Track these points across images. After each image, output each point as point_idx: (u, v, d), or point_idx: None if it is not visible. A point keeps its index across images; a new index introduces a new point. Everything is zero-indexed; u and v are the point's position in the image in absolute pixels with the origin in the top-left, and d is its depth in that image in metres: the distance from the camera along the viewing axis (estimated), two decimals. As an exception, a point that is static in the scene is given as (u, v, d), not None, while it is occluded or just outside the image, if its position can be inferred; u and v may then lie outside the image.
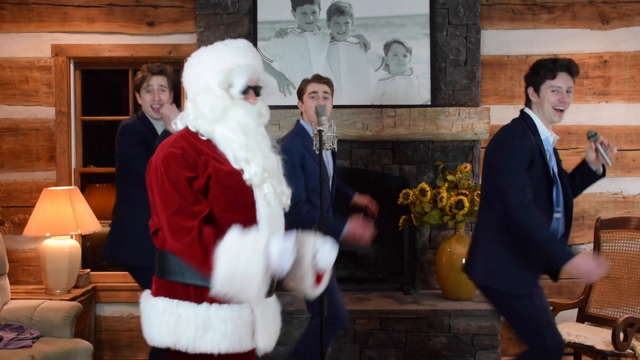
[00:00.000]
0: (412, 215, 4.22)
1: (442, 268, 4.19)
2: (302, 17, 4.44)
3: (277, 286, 2.18)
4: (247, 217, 2.07)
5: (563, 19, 4.60)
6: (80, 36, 4.58)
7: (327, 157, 3.41)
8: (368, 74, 4.45)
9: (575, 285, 4.37)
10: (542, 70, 2.96)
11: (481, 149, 4.43)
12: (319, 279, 2.25)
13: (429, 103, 4.42)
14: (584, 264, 2.73)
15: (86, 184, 5.07)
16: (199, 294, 2.05)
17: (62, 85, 4.58)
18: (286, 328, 3.25)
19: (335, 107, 3.73)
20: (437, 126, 4.25)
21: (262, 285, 1.97)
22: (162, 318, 2.03)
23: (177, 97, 3.49)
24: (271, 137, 2.20)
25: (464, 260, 4.08)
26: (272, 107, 2.30)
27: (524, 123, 3.00)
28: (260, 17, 4.43)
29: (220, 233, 1.97)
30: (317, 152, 2.74)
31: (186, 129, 2.13)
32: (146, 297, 2.13)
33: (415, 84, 4.44)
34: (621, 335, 3.43)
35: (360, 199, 3.63)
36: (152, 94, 3.39)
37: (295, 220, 2.41)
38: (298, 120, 3.46)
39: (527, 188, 2.84)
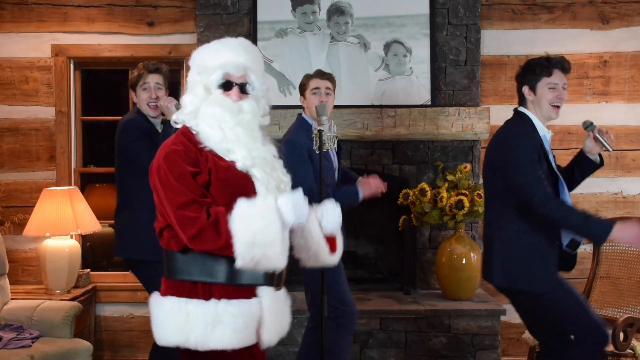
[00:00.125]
0: (412, 215, 4.22)
1: (442, 268, 4.19)
2: (302, 17, 4.44)
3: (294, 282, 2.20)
4: None
5: (563, 19, 4.60)
6: (80, 36, 4.58)
7: (332, 150, 3.42)
8: (368, 74, 4.45)
9: (576, 285, 4.37)
10: (537, 69, 2.98)
11: (481, 149, 4.43)
12: (333, 246, 2.27)
13: (429, 103, 4.42)
14: (627, 232, 2.74)
15: (86, 184, 5.07)
16: (207, 290, 2.05)
17: (62, 85, 4.58)
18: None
19: (335, 107, 3.73)
20: (437, 126, 4.25)
21: (284, 246, 1.99)
22: (171, 316, 2.03)
23: (173, 96, 3.50)
24: (265, 133, 2.21)
25: (461, 258, 4.12)
26: (272, 107, 2.30)
27: (523, 121, 3.01)
28: (260, 17, 4.43)
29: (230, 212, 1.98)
30: (317, 152, 2.74)
31: (185, 126, 2.16)
32: (155, 297, 2.13)
33: (415, 84, 4.44)
34: (621, 335, 3.42)
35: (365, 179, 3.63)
36: (148, 92, 3.40)
37: None
38: (300, 114, 3.46)
39: (545, 181, 2.86)
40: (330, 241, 2.27)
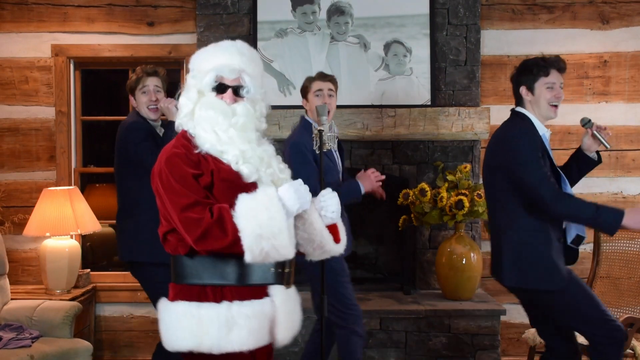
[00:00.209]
0: (412, 215, 4.22)
1: (442, 268, 4.19)
2: (302, 17, 4.44)
3: (297, 282, 2.20)
4: None
5: (563, 19, 4.60)
6: (80, 36, 4.58)
7: (335, 152, 3.44)
8: (368, 74, 4.45)
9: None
10: (535, 69, 3.00)
11: (481, 149, 4.43)
12: (336, 236, 2.28)
13: (429, 103, 4.42)
14: (637, 219, 2.76)
15: (86, 184, 5.07)
16: (219, 293, 2.05)
17: (62, 85, 4.58)
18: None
19: (335, 107, 3.73)
20: (437, 126, 4.25)
21: (290, 235, 2.00)
22: (183, 321, 2.02)
23: (172, 98, 3.51)
24: (262, 134, 2.21)
25: (461, 258, 4.12)
26: (272, 107, 2.30)
27: (522, 122, 3.01)
28: (260, 17, 4.43)
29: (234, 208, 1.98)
30: (317, 152, 2.74)
31: (184, 130, 2.16)
32: (164, 303, 2.12)
33: (415, 84, 4.44)
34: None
35: (363, 173, 3.63)
36: (148, 95, 3.40)
37: None
38: (302, 116, 3.46)
39: (551, 178, 2.87)
40: (333, 231, 2.28)
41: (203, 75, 2.14)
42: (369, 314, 4.02)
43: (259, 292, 2.08)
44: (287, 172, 2.23)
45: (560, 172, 3.03)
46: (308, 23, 4.45)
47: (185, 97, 2.16)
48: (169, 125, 3.31)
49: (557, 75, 3.00)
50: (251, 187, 2.08)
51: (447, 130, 4.26)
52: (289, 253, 2.01)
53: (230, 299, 2.03)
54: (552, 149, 3.21)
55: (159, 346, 3.39)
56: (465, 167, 4.21)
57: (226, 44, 2.20)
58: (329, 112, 3.32)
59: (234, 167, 2.07)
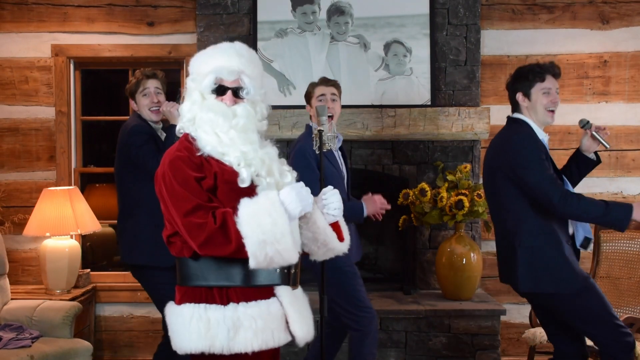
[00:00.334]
0: (412, 215, 4.23)
1: (442, 268, 4.19)
2: (302, 17, 4.44)
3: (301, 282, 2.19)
4: None
5: (563, 19, 4.60)
6: (80, 36, 4.58)
7: (340, 159, 3.44)
8: (368, 74, 4.45)
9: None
10: (530, 75, 3.01)
11: (481, 149, 4.43)
12: (340, 235, 2.28)
13: (429, 103, 4.42)
14: None
15: (86, 184, 5.07)
16: (225, 295, 2.05)
17: (62, 85, 4.58)
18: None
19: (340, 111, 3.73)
20: (437, 126, 4.25)
21: (294, 239, 1.99)
22: (191, 324, 2.02)
23: (172, 98, 3.51)
24: (263, 136, 2.21)
25: (461, 258, 4.12)
26: (271, 107, 2.29)
27: (522, 127, 3.01)
28: (260, 17, 4.43)
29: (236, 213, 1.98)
30: (317, 152, 2.74)
31: (185, 134, 2.15)
32: (171, 306, 2.12)
33: (415, 84, 4.44)
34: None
35: (369, 197, 3.63)
36: (149, 97, 3.41)
37: None
38: (307, 124, 3.47)
39: (558, 180, 2.88)
40: (337, 230, 2.28)
41: (202, 77, 2.14)
42: (369, 314, 4.02)
43: (266, 292, 2.08)
44: (291, 175, 2.22)
45: (563, 175, 3.03)
46: (308, 23, 4.45)
47: (189, 101, 2.15)
48: (170, 128, 3.31)
49: (552, 81, 3.01)
50: (253, 189, 2.08)
51: (447, 130, 4.26)
52: (292, 257, 2.01)
53: (237, 301, 2.03)
54: (552, 149, 3.22)
55: (160, 346, 3.40)
56: (465, 167, 4.21)
57: (225, 45, 2.20)
58: (332, 116, 3.33)
59: (235, 168, 2.07)
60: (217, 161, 2.08)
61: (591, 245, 3.05)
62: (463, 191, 4.06)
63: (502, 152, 2.99)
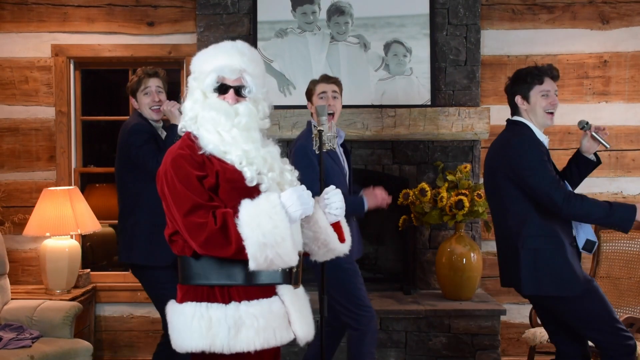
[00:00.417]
0: (412, 215, 4.22)
1: (442, 268, 4.19)
2: (302, 17, 4.45)
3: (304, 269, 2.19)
4: None
5: (563, 19, 4.60)
6: (80, 36, 4.58)
7: (341, 155, 3.45)
8: (368, 74, 4.45)
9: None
10: (529, 77, 3.01)
11: (481, 149, 4.43)
12: (341, 236, 2.28)
13: (429, 103, 4.42)
14: None
15: (86, 184, 5.07)
16: (226, 293, 2.05)
17: (62, 85, 4.58)
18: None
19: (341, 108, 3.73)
20: (437, 126, 4.25)
21: (294, 242, 1.98)
22: (192, 323, 2.02)
23: (172, 97, 3.51)
24: (266, 135, 2.21)
25: (461, 258, 4.12)
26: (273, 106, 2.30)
27: (522, 129, 3.01)
28: (260, 17, 4.43)
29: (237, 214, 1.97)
30: (317, 152, 2.74)
31: (187, 133, 2.16)
32: (172, 305, 2.12)
33: (415, 84, 4.44)
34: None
35: (370, 190, 3.63)
36: (150, 96, 3.40)
37: None
38: (309, 121, 3.47)
39: (560, 181, 2.88)
40: (338, 231, 2.28)
41: (204, 76, 2.14)
42: (369, 314, 4.02)
43: (267, 291, 2.08)
44: (293, 174, 2.22)
45: (563, 177, 3.04)
46: (308, 23, 4.45)
47: (191, 100, 2.15)
48: (171, 128, 3.31)
49: (551, 83, 3.01)
50: (256, 187, 2.08)
51: (447, 130, 4.26)
52: (292, 260, 2.00)
53: (238, 299, 2.03)
54: (552, 149, 3.22)
55: (160, 346, 3.40)
56: (465, 167, 4.21)
57: (227, 44, 2.20)
58: (333, 114, 3.33)
59: (237, 167, 2.07)
60: (219, 160, 2.08)
61: (595, 248, 3.04)
62: (463, 191, 4.06)
63: (503, 155, 2.99)
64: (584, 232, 2.99)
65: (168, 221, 2.12)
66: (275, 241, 1.94)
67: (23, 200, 4.58)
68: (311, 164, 3.20)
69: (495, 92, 4.58)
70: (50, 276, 4.20)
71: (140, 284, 3.52)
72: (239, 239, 1.93)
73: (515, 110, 3.08)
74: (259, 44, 4.40)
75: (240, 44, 2.20)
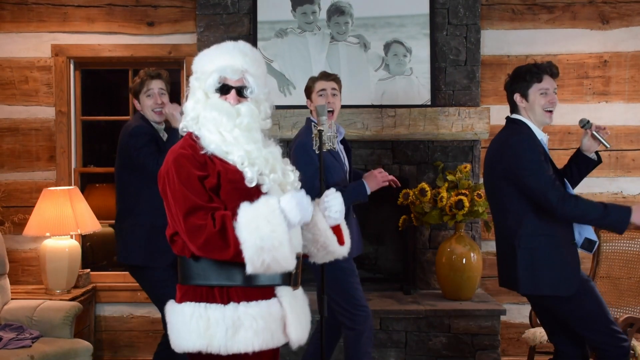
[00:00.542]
0: (412, 215, 4.22)
1: (442, 268, 4.19)
2: (302, 17, 4.45)
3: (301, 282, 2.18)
4: None
5: (563, 19, 4.60)
6: (80, 36, 4.58)
7: (342, 152, 3.44)
8: (368, 74, 4.45)
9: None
10: (527, 75, 3.00)
11: (481, 149, 4.43)
12: (340, 238, 2.27)
13: (429, 103, 4.42)
14: None
15: (86, 184, 5.07)
16: (225, 294, 2.04)
17: (62, 85, 4.58)
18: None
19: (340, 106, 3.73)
20: (437, 126, 4.25)
21: (292, 247, 1.97)
22: (191, 322, 2.02)
23: (173, 97, 3.52)
24: (267, 135, 2.21)
25: (461, 258, 4.12)
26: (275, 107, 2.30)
27: (520, 128, 3.01)
28: (260, 17, 4.43)
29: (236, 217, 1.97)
30: (317, 152, 2.74)
31: (189, 133, 2.16)
32: (171, 304, 2.12)
33: (415, 84, 4.44)
34: (621, 335, 3.42)
35: (369, 173, 3.60)
36: (153, 98, 3.40)
37: None
38: (308, 118, 3.46)
39: (557, 181, 2.87)
40: (337, 233, 2.27)
41: (206, 76, 2.14)
42: (369, 314, 4.02)
43: (266, 292, 2.08)
44: (294, 175, 2.22)
45: (562, 175, 3.03)
46: (308, 23, 4.45)
47: (193, 99, 2.15)
48: (172, 130, 3.31)
49: (550, 81, 3.00)
50: (258, 188, 2.08)
51: (447, 130, 4.26)
52: (290, 265, 2.00)
53: (237, 300, 2.03)
54: (552, 149, 3.21)
55: (160, 345, 3.40)
56: (465, 167, 4.21)
57: (228, 45, 2.20)
58: (333, 111, 3.32)
59: (239, 167, 2.07)
60: (221, 160, 2.08)
61: (595, 248, 3.03)
62: (463, 191, 4.06)
63: (501, 154, 2.98)
64: (584, 232, 2.99)
65: (169, 221, 2.12)
66: (272, 245, 1.93)
67: (23, 200, 4.58)
68: (311, 161, 3.19)
69: (495, 92, 4.58)
70: (50, 276, 4.20)
71: (140, 286, 3.52)
72: (236, 242, 1.93)
73: (514, 108, 3.08)
74: (259, 44, 4.40)
75: (242, 45, 2.20)
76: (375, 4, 4.44)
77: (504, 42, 4.61)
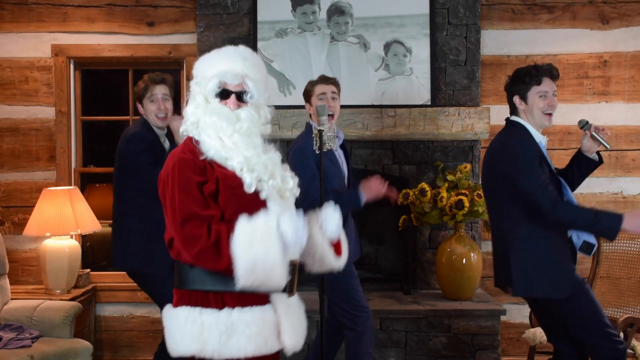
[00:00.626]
0: (412, 215, 4.23)
1: (442, 268, 4.19)
2: (302, 17, 4.45)
3: (299, 282, 2.18)
4: None
5: (563, 19, 4.60)
6: (80, 36, 4.58)
7: (340, 157, 3.43)
8: (368, 74, 4.45)
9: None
10: (526, 78, 2.99)
11: (481, 149, 4.43)
12: (338, 250, 2.27)
13: (429, 103, 4.42)
14: (637, 221, 2.76)
15: (86, 184, 5.07)
16: (220, 299, 2.04)
17: (62, 85, 4.58)
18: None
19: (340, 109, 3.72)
20: (437, 126, 4.25)
21: (284, 268, 1.96)
22: (185, 327, 2.02)
23: (177, 105, 3.51)
24: (267, 141, 2.21)
25: (461, 258, 4.12)
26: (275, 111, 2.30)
27: (518, 130, 3.01)
28: (260, 17, 4.43)
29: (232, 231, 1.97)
30: (317, 152, 2.74)
31: (189, 138, 2.16)
32: (168, 309, 2.13)
33: (415, 84, 4.44)
34: (621, 335, 3.42)
35: (366, 182, 3.58)
36: (156, 104, 3.40)
37: None
38: (308, 122, 3.46)
39: (550, 186, 2.87)
40: (335, 245, 2.27)
41: (206, 81, 2.14)
42: (369, 314, 4.02)
43: (261, 298, 2.08)
44: (294, 181, 2.21)
45: (560, 178, 3.02)
46: (308, 23, 4.45)
47: (193, 105, 2.15)
48: (173, 144, 3.32)
49: (549, 83, 2.99)
50: (257, 194, 2.07)
51: (447, 130, 4.26)
52: (280, 285, 2.00)
53: (232, 306, 2.03)
54: (552, 149, 3.20)
55: (161, 346, 3.40)
56: (465, 167, 4.21)
57: (229, 49, 2.20)
58: (333, 115, 3.32)
59: (238, 173, 2.07)
60: (220, 166, 2.08)
61: (594, 251, 3.02)
62: (463, 191, 4.06)
63: (501, 154, 2.99)
64: (582, 235, 2.98)
65: (167, 225, 2.12)
66: (264, 265, 1.93)
67: (23, 200, 4.58)
68: (308, 165, 3.19)
69: (495, 92, 4.58)
70: (50, 276, 4.20)
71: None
72: (230, 257, 1.93)
73: (513, 109, 3.08)
74: (259, 44, 4.40)
75: (242, 49, 2.20)
76: (375, 4, 4.44)
77: (504, 42, 4.61)
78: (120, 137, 3.44)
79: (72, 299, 4.12)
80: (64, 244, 4.23)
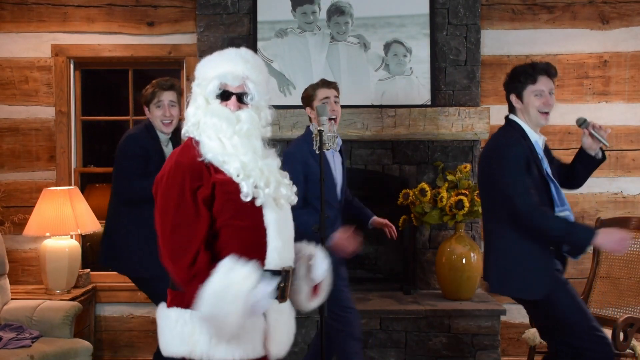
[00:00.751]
0: (412, 215, 4.22)
1: (442, 268, 4.19)
2: (302, 17, 4.44)
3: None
4: (254, 223, 2.07)
5: (563, 19, 4.60)
6: (80, 36, 4.58)
7: (335, 163, 3.40)
8: (368, 74, 4.45)
9: (575, 285, 4.36)
10: (522, 77, 2.98)
11: (481, 149, 4.43)
12: (315, 290, 2.27)
13: (429, 103, 4.42)
14: (609, 238, 2.74)
15: (86, 184, 5.07)
16: None
17: (62, 85, 4.58)
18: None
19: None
20: (437, 126, 4.25)
21: (237, 327, 1.95)
22: (175, 328, 2.04)
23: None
24: (267, 144, 2.20)
25: (461, 258, 4.12)
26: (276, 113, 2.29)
27: (513, 130, 3.01)
28: (260, 17, 4.43)
29: (221, 251, 2.00)
30: (317, 152, 2.74)
31: (190, 138, 2.15)
32: (161, 308, 2.14)
33: (415, 84, 4.44)
34: (621, 335, 3.42)
35: (378, 220, 3.57)
36: (162, 109, 3.41)
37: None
38: (308, 126, 3.44)
39: (530, 191, 2.85)
40: (314, 286, 2.27)
41: (207, 82, 2.14)
42: (369, 314, 4.02)
43: None
44: (290, 189, 2.19)
45: (553, 180, 2.99)
46: (308, 23, 4.45)
47: (194, 106, 2.16)
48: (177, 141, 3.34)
49: (546, 82, 2.97)
50: (252, 201, 2.07)
51: (447, 130, 4.26)
52: (227, 339, 1.99)
53: None
54: (552, 149, 3.20)
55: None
56: (465, 167, 4.21)
57: (230, 51, 2.20)
58: (336, 118, 3.31)
59: (235, 179, 2.06)
60: (217, 169, 2.07)
61: (581, 255, 2.99)
62: (463, 191, 4.06)
63: (490, 159, 3.00)
64: None
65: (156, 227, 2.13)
66: (221, 321, 1.93)
67: (23, 200, 4.58)
68: (292, 171, 3.14)
69: (495, 92, 4.58)
70: (50, 276, 4.20)
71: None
72: (195, 295, 1.93)
73: (511, 108, 3.08)
74: (259, 44, 4.40)
75: (244, 51, 2.20)
76: (375, 4, 4.44)
77: (504, 42, 4.61)
78: (120, 138, 3.46)
79: (72, 299, 4.12)
80: (64, 244, 4.23)
